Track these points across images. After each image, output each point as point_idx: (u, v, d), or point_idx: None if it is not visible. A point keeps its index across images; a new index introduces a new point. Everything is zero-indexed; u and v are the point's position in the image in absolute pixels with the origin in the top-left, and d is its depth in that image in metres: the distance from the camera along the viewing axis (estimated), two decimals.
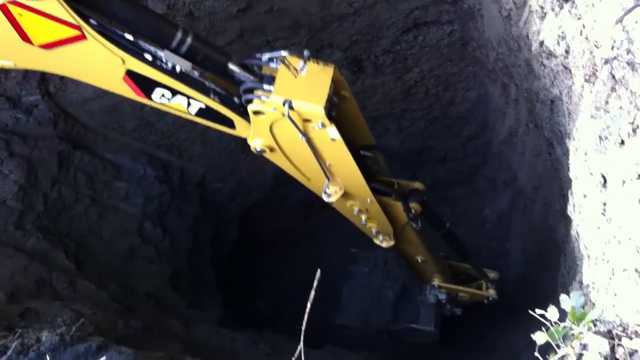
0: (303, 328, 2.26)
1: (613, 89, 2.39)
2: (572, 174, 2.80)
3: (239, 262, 8.58)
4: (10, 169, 5.84)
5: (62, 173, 6.37)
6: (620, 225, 2.19)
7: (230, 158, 7.73)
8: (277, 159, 3.66)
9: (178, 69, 3.13)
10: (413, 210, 4.54)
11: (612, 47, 2.42)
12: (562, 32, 3.16)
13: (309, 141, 3.35)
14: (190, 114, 3.28)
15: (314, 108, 3.17)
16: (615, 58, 2.39)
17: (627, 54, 2.30)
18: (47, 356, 3.69)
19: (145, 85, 3.13)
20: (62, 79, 5.93)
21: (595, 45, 2.66)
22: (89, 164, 6.69)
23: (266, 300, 8.42)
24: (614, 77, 2.39)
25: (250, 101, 3.27)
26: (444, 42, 6.64)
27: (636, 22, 2.28)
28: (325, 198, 3.93)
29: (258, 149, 3.49)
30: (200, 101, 3.21)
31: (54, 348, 3.89)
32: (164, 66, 3.11)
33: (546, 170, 5.63)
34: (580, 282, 2.72)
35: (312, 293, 2.31)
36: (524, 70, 4.86)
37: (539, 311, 2.00)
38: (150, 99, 3.21)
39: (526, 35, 4.17)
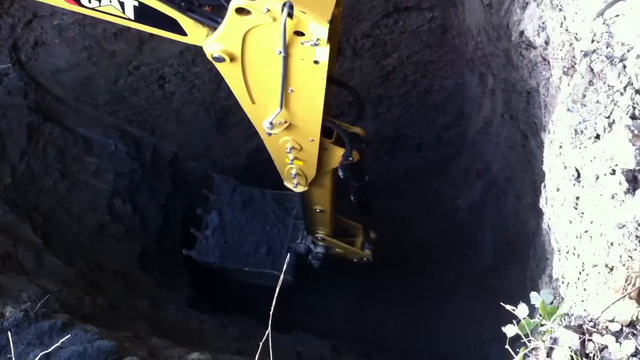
0: (271, 312, 2.24)
1: (591, 82, 2.38)
2: (545, 167, 2.81)
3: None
4: None
5: (31, 145, 6.24)
6: (593, 219, 2.19)
7: (204, 137, 7.65)
8: (230, 72, 3.10)
9: None
10: (351, 158, 4.06)
11: (592, 40, 2.41)
12: (543, 23, 3.15)
13: (286, 58, 2.86)
14: (127, 18, 2.85)
15: (319, 21, 2.68)
16: (594, 51, 2.38)
17: (607, 47, 2.29)
18: (10, 332, 3.60)
19: None
20: (34, 47, 5.79)
21: (576, 37, 2.65)
22: (59, 136, 6.57)
23: (236, 283, 8.39)
24: (592, 70, 2.39)
25: None
26: (424, 28, 6.61)
27: (617, 16, 2.28)
28: (266, 128, 3.44)
29: (215, 55, 2.93)
30: None
31: (17, 324, 3.81)
32: None
33: (520, 162, 5.65)
34: (550, 276, 2.73)
35: (281, 277, 2.30)
36: (502, 61, 4.86)
37: (508, 306, 1.99)
38: (79, 3, 2.84)
39: (506, 24, 4.17)
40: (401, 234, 8.39)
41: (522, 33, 3.63)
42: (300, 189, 4.62)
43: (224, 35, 2.83)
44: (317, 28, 2.68)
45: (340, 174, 4.22)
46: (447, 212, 8.92)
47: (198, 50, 6.20)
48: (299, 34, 2.73)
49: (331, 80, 3.44)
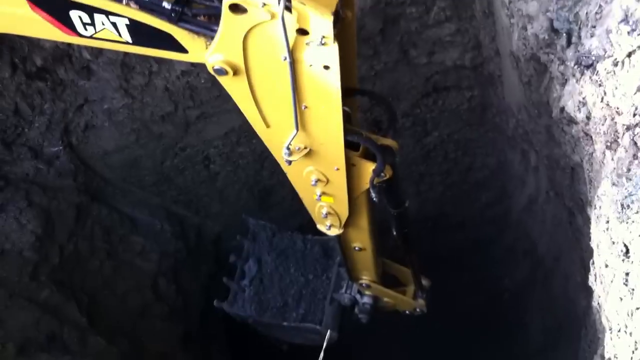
0: None
1: (635, 156, 2.34)
2: (593, 243, 2.73)
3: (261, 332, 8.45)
4: (28, 218, 5.86)
5: (79, 226, 6.37)
6: None
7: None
8: (236, 88, 2.76)
9: None
10: (382, 174, 3.43)
11: (634, 114, 2.39)
12: (583, 99, 3.14)
13: (293, 65, 2.51)
14: (125, 42, 2.64)
15: (321, 12, 2.32)
16: (637, 125, 2.36)
17: None
18: None
19: (60, 12, 2.59)
20: (85, 131, 6.02)
21: (617, 111, 2.63)
22: (107, 217, 6.70)
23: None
24: (636, 144, 2.36)
25: None
26: (464, 107, 6.67)
27: None
28: (285, 155, 3.04)
29: (216, 67, 2.59)
30: (116, 14, 2.54)
31: None
32: None
33: (567, 240, 5.52)
34: (602, 356, 2.61)
35: (322, 354, 2.22)
36: (544, 137, 4.84)
37: None
38: (77, 34, 2.65)
39: (546, 101, 4.17)
40: (446, 314, 8.19)
41: (562, 109, 3.62)
42: (334, 231, 4.11)
43: (222, 41, 2.52)
44: (321, 22, 2.35)
45: (373, 195, 3.53)
46: (494, 292, 8.70)
47: (243, 131, 6.41)
48: (303, 32, 2.40)
49: (352, 92, 3.17)
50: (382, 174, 3.37)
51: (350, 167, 3.31)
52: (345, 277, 5.64)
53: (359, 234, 4.33)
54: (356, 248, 4.58)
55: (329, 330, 5.58)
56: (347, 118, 2.96)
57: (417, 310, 5.73)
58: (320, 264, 6.13)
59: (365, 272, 5.18)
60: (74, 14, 2.56)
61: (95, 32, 2.61)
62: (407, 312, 5.80)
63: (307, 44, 2.43)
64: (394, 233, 4.35)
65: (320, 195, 3.59)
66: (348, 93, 2.84)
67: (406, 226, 4.34)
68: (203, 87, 5.78)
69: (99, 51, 5.30)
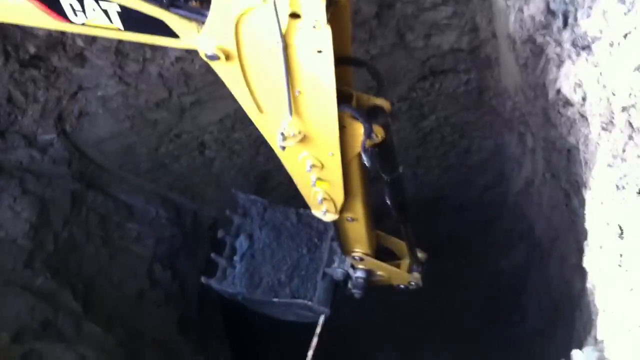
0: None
1: (630, 137, 2.33)
2: (587, 225, 2.72)
3: (250, 311, 8.48)
4: (22, 207, 5.84)
5: (74, 213, 6.35)
6: (638, 277, 2.10)
7: None
8: (228, 72, 2.72)
9: None
10: (374, 135, 3.27)
11: (630, 95, 2.37)
12: (579, 80, 3.12)
13: (286, 49, 2.48)
14: (117, 28, 2.60)
15: None
16: (632, 106, 2.34)
17: None
18: None
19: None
20: (79, 118, 5.99)
21: (613, 93, 2.61)
22: (102, 204, 6.69)
23: (277, 349, 8.26)
24: (631, 125, 2.34)
25: None
26: (461, 90, 6.64)
27: None
28: (279, 141, 3.01)
29: (209, 53, 2.57)
30: (107, 0, 2.51)
31: None
32: None
33: (563, 222, 5.52)
34: (595, 338, 2.61)
35: (315, 340, 2.20)
36: (540, 119, 4.82)
37: None
38: (68, 20, 2.63)
39: (543, 83, 4.15)
40: (445, 296, 8.22)
41: (558, 91, 3.60)
42: (329, 217, 4.03)
43: (214, 25, 2.50)
44: (313, 5, 2.31)
45: (365, 160, 3.29)
46: (491, 274, 8.73)
47: (238, 117, 6.38)
48: (295, 16, 2.37)
49: (341, 61, 2.91)
50: (374, 136, 3.24)
51: (341, 128, 3.12)
52: (338, 252, 5.41)
53: (351, 202, 4.13)
54: (348, 219, 4.40)
55: (322, 310, 5.41)
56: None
57: (412, 284, 5.51)
58: (314, 239, 5.91)
59: (358, 245, 4.99)
60: (65, 1, 2.53)
61: (87, 19, 2.58)
62: (402, 286, 5.58)
63: (299, 27, 2.39)
64: (388, 202, 4.19)
65: (315, 181, 3.53)
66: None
67: (401, 194, 4.18)
68: (197, 73, 5.74)
69: (93, 38, 5.25)
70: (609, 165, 2.41)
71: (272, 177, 7.31)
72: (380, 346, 8.39)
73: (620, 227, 2.25)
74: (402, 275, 5.38)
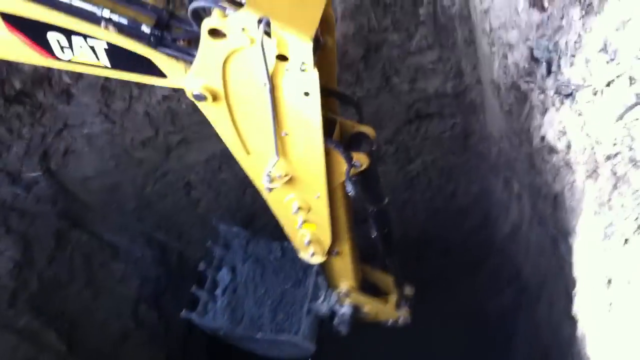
0: None
1: (615, 186, 2.33)
2: (576, 273, 2.71)
3: (236, 351, 8.34)
4: (6, 245, 5.75)
5: (58, 252, 6.26)
6: (628, 325, 2.09)
7: None
8: (215, 113, 2.69)
9: None
10: (357, 162, 3.15)
11: (614, 144, 2.39)
12: (563, 128, 3.15)
13: (273, 91, 2.47)
14: (104, 66, 2.58)
15: (301, 36, 2.26)
16: (616, 154, 2.35)
17: (629, 150, 2.26)
18: None
19: (37, 34, 2.53)
20: (64, 155, 5.95)
21: (597, 141, 2.63)
22: (86, 243, 6.61)
23: None
24: (615, 174, 2.35)
25: (196, 14, 2.39)
26: (446, 134, 6.69)
27: (637, 119, 2.25)
28: (265, 183, 2.97)
29: (195, 93, 2.55)
30: (94, 37, 2.48)
31: None
32: None
33: (551, 267, 5.50)
34: None
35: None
36: (525, 165, 4.84)
37: None
38: (55, 57, 2.60)
39: (527, 129, 4.18)
40: (430, 342, 8.13)
41: (543, 138, 3.63)
42: (316, 259, 3.96)
43: (201, 66, 2.49)
44: (300, 48, 2.30)
45: (349, 188, 3.20)
46: (479, 317, 8.67)
47: (224, 157, 6.38)
48: (282, 58, 2.37)
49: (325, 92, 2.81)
50: (357, 163, 3.16)
51: (325, 157, 3.03)
52: (323, 286, 5.30)
53: (336, 235, 4.00)
54: (334, 252, 4.26)
55: (307, 345, 5.25)
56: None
57: (400, 320, 5.43)
58: (298, 273, 5.75)
59: (344, 279, 4.90)
60: (52, 37, 2.51)
61: (73, 56, 2.57)
62: (389, 322, 5.49)
63: (287, 70, 2.40)
64: (373, 235, 4.13)
65: (302, 223, 3.50)
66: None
67: (387, 225, 4.11)
68: (184, 112, 5.75)
69: (79, 75, 5.25)
70: (596, 213, 2.41)
71: (259, 218, 7.27)
72: None
73: (608, 276, 2.25)
74: (389, 311, 5.28)
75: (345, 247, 4.22)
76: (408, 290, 5.34)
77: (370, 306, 5.24)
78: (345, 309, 5.19)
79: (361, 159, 3.15)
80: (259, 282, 5.79)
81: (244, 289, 5.74)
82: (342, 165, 3.14)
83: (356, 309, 5.22)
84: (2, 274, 5.64)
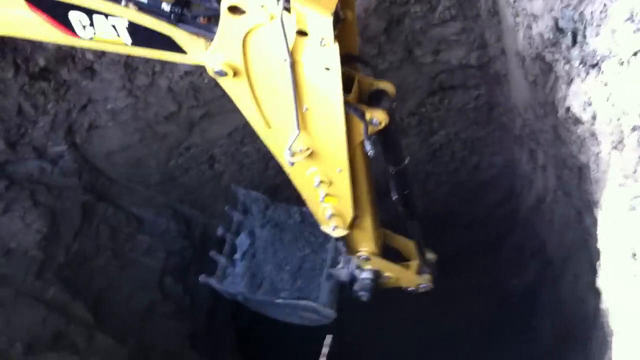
0: None
1: None
2: (600, 245, 2.68)
3: (261, 322, 8.43)
4: (33, 218, 5.86)
5: (84, 225, 6.37)
6: None
7: None
8: (236, 89, 2.71)
9: None
10: (375, 120, 3.01)
11: None
12: (589, 99, 3.09)
13: (293, 66, 2.46)
14: (126, 44, 2.61)
15: (321, 11, 2.27)
16: None
17: None
18: None
19: (59, 13, 2.56)
20: (89, 130, 6.01)
21: (623, 112, 2.58)
22: (112, 216, 6.70)
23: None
24: None
25: None
26: (470, 106, 6.62)
27: None
28: (287, 157, 2.97)
29: (217, 69, 2.57)
30: (115, 15, 2.52)
31: None
32: None
33: (576, 240, 5.46)
34: None
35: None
36: (550, 137, 4.78)
37: None
38: (76, 34, 2.62)
39: (552, 101, 4.11)
40: (454, 316, 8.14)
41: (568, 109, 3.57)
42: (338, 232, 3.90)
43: (221, 42, 2.50)
44: (320, 22, 2.29)
45: (368, 147, 3.03)
46: (502, 292, 8.64)
47: (247, 131, 6.39)
48: (302, 34, 2.36)
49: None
50: (376, 121, 3.03)
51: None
52: (343, 251, 5.02)
53: (356, 198, 3.83)
54: (355, 222, 4.13)
55: (326, 312, 5.04)
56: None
57: (422, 286, 5.20)
58: (318, 238, 5.48)
59: (364, 244, 4.67)
60: (74, 16, 2.55)
61: (95, 34, 2.59)
62: (410, 289, 5.27)
63: (307, 45, 2.40)
64: (394, 197, 3.95)
65: (324, 197, 3.47)
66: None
67: (407, 187, 3.93)
68: (206, 86, 5.76)
69: (102, 52, 5.29)
70: (621, 185, 2.38)
71: (282, 191, 7.29)
72: None
73: (633, 248, 2.22)
74: (411, 277, 5.10)
75: (366, 211, 4.09)
76: (430, 256, 5.09)
77: (391, 272, 5.03)
78: (365, 275, 4.98)
79: (380, 117, 3.02)
80: (278, 247, 5.60)
81: (263, 253, 5.57)
82: (360, 125, 3.03)
83: (377, 274, 5.00)
84: (29, 246, 5.77)
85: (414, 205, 4.16)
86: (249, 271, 5.44)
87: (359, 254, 4.76)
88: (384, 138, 3.25)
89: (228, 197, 7.33)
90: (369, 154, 3.06)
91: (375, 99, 3.08)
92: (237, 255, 5.50)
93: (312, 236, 5.53)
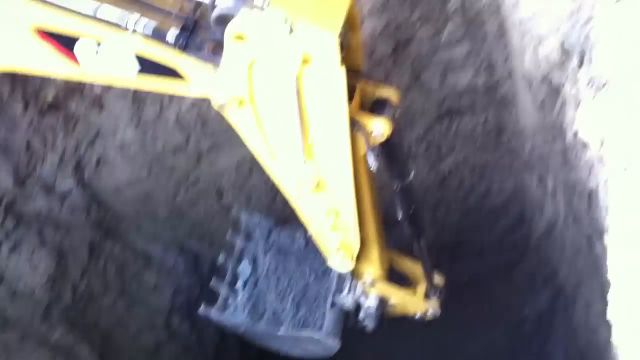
0: None
1: None
2: (610, 275, 2.62)
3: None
4: (41, 258, 5.81)
5: (92, 263, 6.30)
6: None
7: None
8: (241, 119, 2.67)
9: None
10: (377, 130, 2.89)
11: None
12: (596, 122, 3.06)
13: (298, 94, 2.42)
14: (134, 71, 2.62)
15: (326, 37, 2.23)
16: None
17: None
18: None
19: (68, 42, 2.55)
20: (97, 165, 6.00)
21: (631, 136, 2.54)
22: (120, 253, 6.64)
23: None
24: None
25: (223, 20, 2.34)
26: (478, 130, 6.59)
27: None
28: (292, 188, 3.00)
29: (221, 102, 2.57)
30: (121, 43, 2.53)
31: None
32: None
33: (587, 267, 5.36)
34: None
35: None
36: (559, 161, 4.73)
37: None
38: (80, 63, 2.63)
39: (560, 124, 4.08)
40: (466, 344, 8.01)
41: (576, 133, 3.54)
42: (346, 265, 3.81)
43: (226, 71, 2.48)
44: (326, 45, 2.25)
45: (371, 160, 2.92)
46: (514, 320, 8.52)
47: (254, 161, 6.37)
48: (308, 60, 2.33)
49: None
50: (378, 131, 2.90)
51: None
52: (348, 277, 4.82)
53: (359, 217, 3.65)
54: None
55: (331, 343, 4.84)
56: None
57: (430, 312, 5.02)
58: (322, 262, 4.96)
59: (369, 267, 4.50)
60: (80, 44, 2.55)
61: (102, 62, 2.58)
62: (417, 315, 5.09)
63: (312, 71, 2.37)
64: (399, 215, 3.79)
65: (330, 228, 3.40)
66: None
67: (412, 203, 3.77)
68: (213, 117, 5.77)
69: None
70: (631, 211, 2.33)
71: (291, 222, 7.25)
72: None
73: None
74: (418, 302, 4.91)
75: (370, 231, 3.91)
76: (438, 280, 4.92)
77: (397, 296, 4.84)
78: (371, 301, 4.78)
79: (382, 126, 2.89)
80: (281, 274, 5.40)
81: (265, 281, 5.36)
82: (361, 138, 2.91)
83: (382, 301, 4.83)
84: (36, 288, 5.67)
85: (421, 223, 4.05)
86: (250, 301, 5.25)
87: (364, 278, 4.60)
88: (387, 150, 3.15)
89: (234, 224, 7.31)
90: (371, 167, 2.98)
91: (378, 107, 2.99)
92: (239, 284, 5.30)
93: (317, 261, 5.27)
